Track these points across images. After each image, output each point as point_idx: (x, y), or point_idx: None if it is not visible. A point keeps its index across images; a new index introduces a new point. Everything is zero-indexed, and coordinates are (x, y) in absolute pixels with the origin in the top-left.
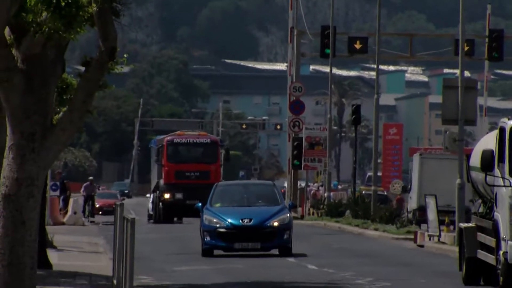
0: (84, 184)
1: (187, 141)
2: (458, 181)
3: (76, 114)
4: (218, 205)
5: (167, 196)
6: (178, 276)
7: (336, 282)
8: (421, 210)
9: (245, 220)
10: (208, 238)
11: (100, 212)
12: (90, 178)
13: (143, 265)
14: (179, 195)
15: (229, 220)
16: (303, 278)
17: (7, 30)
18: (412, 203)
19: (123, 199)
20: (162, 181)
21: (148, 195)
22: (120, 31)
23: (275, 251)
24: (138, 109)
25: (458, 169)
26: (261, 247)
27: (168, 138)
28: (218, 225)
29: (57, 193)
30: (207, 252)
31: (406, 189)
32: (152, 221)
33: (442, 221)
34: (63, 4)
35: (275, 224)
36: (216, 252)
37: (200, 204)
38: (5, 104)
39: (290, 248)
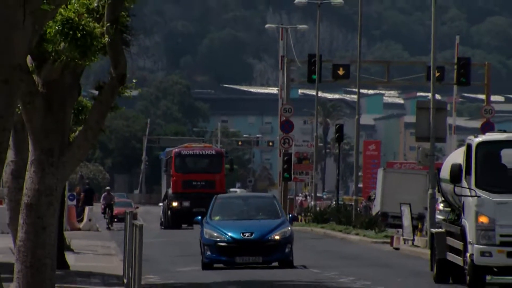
0: (103, 194)
1: (193, 152)
2: (429, 191)
3: (91, 132)
4: (217, 218)
5: (175, 204)
6: (181, 276)
7: (322, 281)
8: (383, 215)
9: (246, 234)
10: (208, 252)
11: (115, 220)
12: (107, 188)
13: (150, 266)
14: (186, 203)
15: (230, 234)
16: (292, 277)
17: (29, 58)
18: (375, 210)
19: (137, 207)
20: (170, 190)
21: (160, 204)
22: (129, 59)
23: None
24: (145, 128)
25: (430, 180)
26: (263, 261)
27: (176, 150)
28: (218, 239)
29: (74, 202)
30: (207, 266)
31: (371, 198)
32: (163, 227)
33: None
34: (79, 35)
35: (277, 237)
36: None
37: (199, 217)
38: (27, 124)
39: (292, 261)
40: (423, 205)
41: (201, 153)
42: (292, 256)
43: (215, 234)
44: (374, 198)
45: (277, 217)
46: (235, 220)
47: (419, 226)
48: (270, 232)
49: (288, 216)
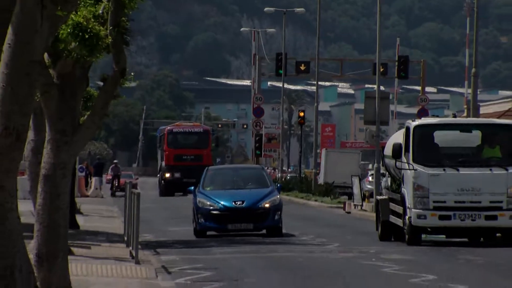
0: (111, 166)
1: (184, 130)
2: (375, 165)
3: (97, 116)
4: (209, 188)
5: (167, 175)
6: (171, 234)
7: (287, 240)
8: (326, 185)
9: (238, 202)
10: (202, 220)
11: (119, 189)
12: (115, 161)
13: (146, 226)
14: (177, 174)
15: (222, 202)
16: (261, 234)
17: (45, 55)
18: (319, 181)
19: (137, 178)
20: (163, 163)
21: (158, 175)
22: (129, 56)
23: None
24: (142, 113)
25: (376, 156)
26: (254, 227)
27: (169, 127)
28: (211, 207)
29: (83, 174)
30: (200, 233)
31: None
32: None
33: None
34: (87, 36)
35: (267, 205)
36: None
37: (193, 187)
38: (45, 109)
39: (281, 228)
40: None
41: (190, 130)
42: (281, 223)
43: (208, 203)
44: (320, 171)
45: (266, 186)
46: (227, 189)
47: (366, 195)
48: (261, 200)
49: (277, 185)
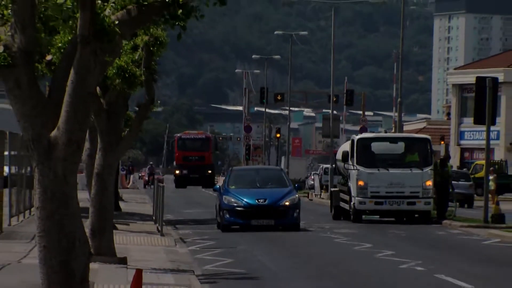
0: (148, 167)
1: (190, 137)
2: (330, 166)
3: (134, 132)
4: (233, 186)
5: (177, 172)
6: (186, 215)
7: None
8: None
9: (260, 200)
10: (227, 216)
11: (152, 183)
12: (151, 163)
13: (168, 209)
14: (185, 171)
15: (246, 200)
16: None
17: (97, 88)
18: None
19: (163, 175)
20: (175, 163)
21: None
22: (156, 90)
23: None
24: (166, 129)
25: (330, 160)
26: (275, 223)
27: (178, 135)
28: (236, 205)
29: (124, 172)
30: (226, 227)
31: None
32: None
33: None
34: (127, 75)
35: (287, 203)
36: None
37: (218, 186)
38: (97, 127)
39: (299, 224)
40: (304, 174)
41: (195, 137)
42: (299, 220)
43: (232, 200)
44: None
45: (286, 186)
46: (249, 188)
47: (324, 187)
48: (281, 199)
49: (295, 185)
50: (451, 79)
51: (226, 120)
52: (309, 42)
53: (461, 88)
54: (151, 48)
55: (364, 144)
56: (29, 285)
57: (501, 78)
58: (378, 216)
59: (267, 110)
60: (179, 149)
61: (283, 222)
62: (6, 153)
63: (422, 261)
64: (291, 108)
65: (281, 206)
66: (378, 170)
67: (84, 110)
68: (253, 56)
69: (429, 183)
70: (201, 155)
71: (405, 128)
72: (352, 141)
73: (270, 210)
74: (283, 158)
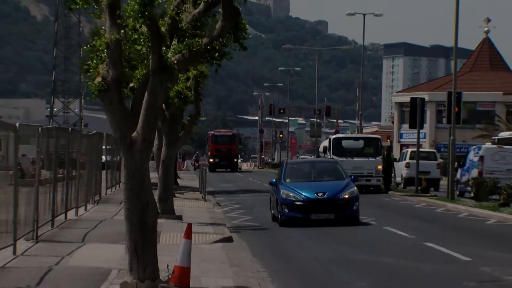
0: (194, 155)
1: (220, 133)
2: (316, 156)
3: (187, 134)
4: (289, 180)
5: (211, 160)
6: (221, 188)
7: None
8: None
9: (320, 194)
10: (286, 210)
11: (198, 167)
12: (197, 152)
13: (209, 184)
14: (216, 160)
15: (304, 194)
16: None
17: (163, 105)
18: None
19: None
20: (209, 153)
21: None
22: (201, 105)
23: None
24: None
25: (315, 152)
26: (335, 217)
27: (212, 132)
28: (294, 199)
29: (180, 159)
30: (285, 222)
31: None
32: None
33: None
34: (182, 97)
35: (346, 196)
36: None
37: (274, 180)
38: (163, 130)
39: (358, 217)
40: None
41: (224, 134)
42: (359, 213)
43: (291, 194)
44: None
45: (342, 179)
46: (306, 181)
47: None
48: (341, 192)
49: (351, 177)
50: (394, 99)
51: (247, 125)
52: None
53: (400, 104)
54: (198, 79)
55: (337, 142)
56: (118, 233)
57: (427, 98)
58: None
59: (274, 119)
60: (213, 143)
61: (343, 216)
62: (103, 147)
63: (375, 218)
64: (289, 118)
65: (341, 199)
66: (346, 158)
67: (154, 119)
68: (265, 84)
69: (379, 167)
70: (229, 148)
71: (364, 131)
72: (329, 139)
73: (330, 204)
74: (284, 163)
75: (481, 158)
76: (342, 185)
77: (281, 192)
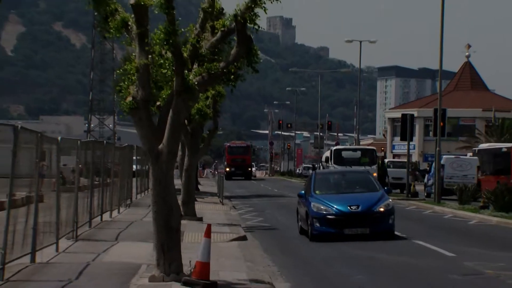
0: (214, 164)
1: (235, 145)
2: (318, 164)
3: (206, 146)
4: (319, 192)
5: (227, 169)
6: (236, 192)
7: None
8: None
9: (353, 207)
10: (317, 225)
11: (216, 174)
12: (216, 162)
13: (226, 190)
14: (232, 169)
15: (336, 207)
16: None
17: (186, 121)
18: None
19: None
20: (226, 163)
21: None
22: (219, 121)
23: None
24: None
25: (319, 162)
26: (370, 232)
27: (228, 144)
28: (326, 212)
29: (201, 167)
30: (316, 237)
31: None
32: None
33: None
34: (202, 113)
35: (381, 209)
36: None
37: (303, 191)
38: (185, 142)
39: (394, 231)
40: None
41: (239, 145)
42: (394, 227)
43: (322, 207)
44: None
45: (376, 190)
46: (337, 193)
47: None
48: (375, 205)
49: (385, 189)
50: (387, 115)
51: (259, 138)
52: (306, 94)
53: (393, 120)
54: (216, 98)
55: (338, 152)
56: (147, 233)
57: (416, 114)
58: None
59: (282, 133)
60: (229, 153)
61: (379, 230)
62: (134, 157)
63: None
64: (296, 132)
65: (376, 213)
66: (346, 167)
67: (178, 133)
68: (274, 102)
69: (375, 174)
70: (243, 158)
71: (361, 143)
72: (331, 150)
73: (365, 218)
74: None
75: (442, 166)
76: (377, 197)
77: (312, 205)
